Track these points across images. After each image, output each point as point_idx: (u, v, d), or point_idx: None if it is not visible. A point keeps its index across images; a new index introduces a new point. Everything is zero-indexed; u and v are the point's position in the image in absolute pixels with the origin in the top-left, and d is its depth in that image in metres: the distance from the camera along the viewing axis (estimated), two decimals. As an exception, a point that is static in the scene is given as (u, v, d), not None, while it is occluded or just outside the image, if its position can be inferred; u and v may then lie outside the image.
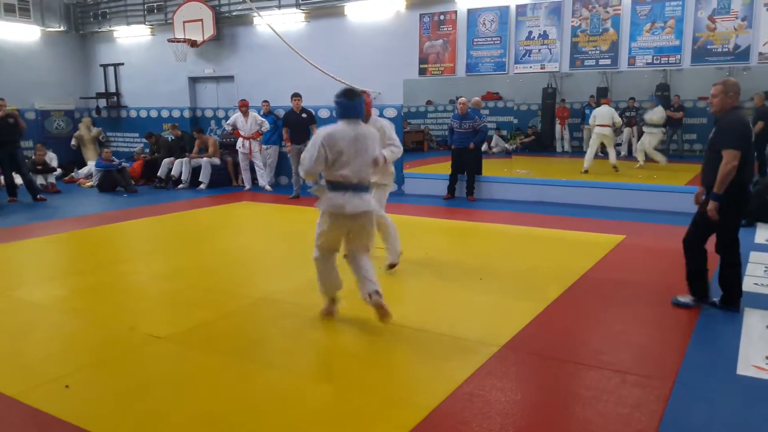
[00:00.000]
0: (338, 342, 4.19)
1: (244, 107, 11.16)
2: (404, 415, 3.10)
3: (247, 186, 11.46)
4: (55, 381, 3.52)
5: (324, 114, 11.23)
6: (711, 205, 4.27)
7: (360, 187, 4.12)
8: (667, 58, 8.64)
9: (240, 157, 11.45)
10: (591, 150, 11.19)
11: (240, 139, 11.26)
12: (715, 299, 4.62)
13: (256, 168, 11.38)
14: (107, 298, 5.21)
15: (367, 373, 3.64)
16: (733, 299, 4.55)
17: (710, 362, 3.71)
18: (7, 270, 6.29)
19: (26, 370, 3.72)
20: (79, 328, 4.51)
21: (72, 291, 5.42)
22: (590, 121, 11.30)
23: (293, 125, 10.41)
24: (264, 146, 11.52)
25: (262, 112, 11.48)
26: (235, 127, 11.28)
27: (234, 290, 5.33)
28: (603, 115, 11.02)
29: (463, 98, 9.88)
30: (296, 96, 10.41)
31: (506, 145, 13.71)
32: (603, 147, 11.34)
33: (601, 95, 12.69)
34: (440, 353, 3.87)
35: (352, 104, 4.13)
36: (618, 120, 11.16)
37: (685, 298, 4.66)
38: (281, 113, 11.68)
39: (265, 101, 11.50)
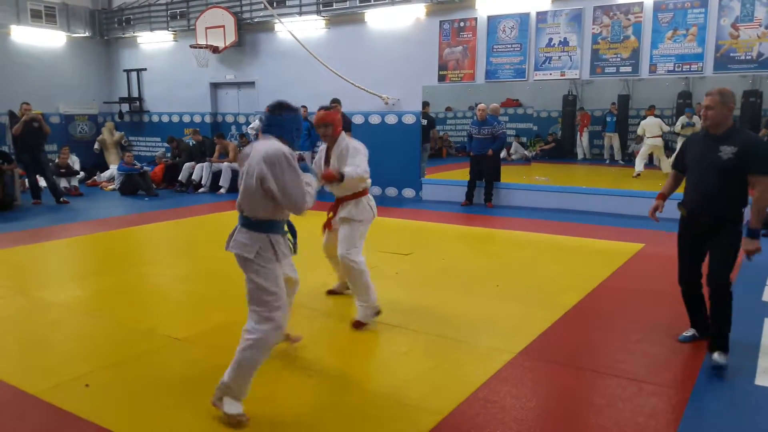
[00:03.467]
0: (356, 346, 4.20)
1: None
2: (419, 419, 3.11)
3: None
4: (76, 380, 3.58)
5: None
6: (751, 245, 3.61)
7: (242, 221, 3.29)
8: (689, 66, 8.57)
9: None
10: (641, 158, 11.45)
11: None
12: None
13: None
14: (128, 300, 5.29)
15: (383, 377, 3.66)
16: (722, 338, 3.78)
17: (728, 372, 3.67)
18: (30, 271, 6.41)
19: (48, 368, 3.79)
20: (99, 328, 4.59)
21: (93, 292, 5.51)
22: (639, 131, 11.42)
23: None
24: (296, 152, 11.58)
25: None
26: (257, 132, 11.34)
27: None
28: (652, 125, 11.17)
29: (482, 104, 9.88)
30: (336, 102, 10.19)
31: (525, 152, 13.67)
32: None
33: (623, 103, 12.63)
34: (456, 359, 3.88)
35: (269, 117, 3.23)
36: (666, 127, 11.28)
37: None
38: None
39: (303, 106, 11.49)
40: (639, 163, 11.44)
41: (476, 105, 10.14)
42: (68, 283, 5.80)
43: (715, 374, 3.63)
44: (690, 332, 4.21)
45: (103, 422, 3.09)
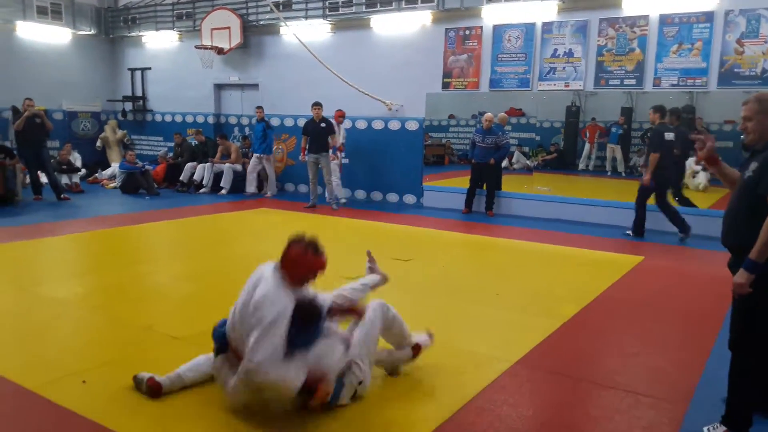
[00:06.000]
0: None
1: (341, 117, 10.77)
2: (415, 426, 3.10)
3: (344, 200, 10.99)
4: (73, 376, 3.57)
5: (346, 125, 11.30)
6: (741, 277, 2.88)
7: None
8: (693, 80, 8.59)
9: (334, 168, 10.74)
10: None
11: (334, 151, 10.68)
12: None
13: (333, 179, 10.80)
14: (126, 298, 5.28)
15: (379, 383, 3.64)
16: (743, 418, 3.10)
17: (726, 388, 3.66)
18: (30, 266, 6.40)
19: (45, 364, 3.79)
20: (98, 325, 4.59)
21: (92, 289, 5.50)
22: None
23: (312, 134, 10.35)
24: (257, 155, 11.46)
25: (255, 119, 11.48)
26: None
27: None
28: None
29: (489, 114, 9.86)
30: (317, 105, 10.27)
31: (528, 162, 13.67)
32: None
33: (626, 115, 12.63)
34: (453, 366, 3.87)
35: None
36: None
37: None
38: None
39: (259, 107, 11.49)
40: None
41: (480, 114, 10.15)
42: (67, 280, 5.80)
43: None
44: None
45: (98, 419, 3.09)
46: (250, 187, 11.69)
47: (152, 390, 3.29)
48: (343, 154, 11.04)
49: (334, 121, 10.48)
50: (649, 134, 8.68)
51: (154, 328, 4.41)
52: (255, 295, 3.02)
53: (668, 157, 8.01)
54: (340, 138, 10.70)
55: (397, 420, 3.18)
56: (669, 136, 7.98)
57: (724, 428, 3.06)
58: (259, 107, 11.50)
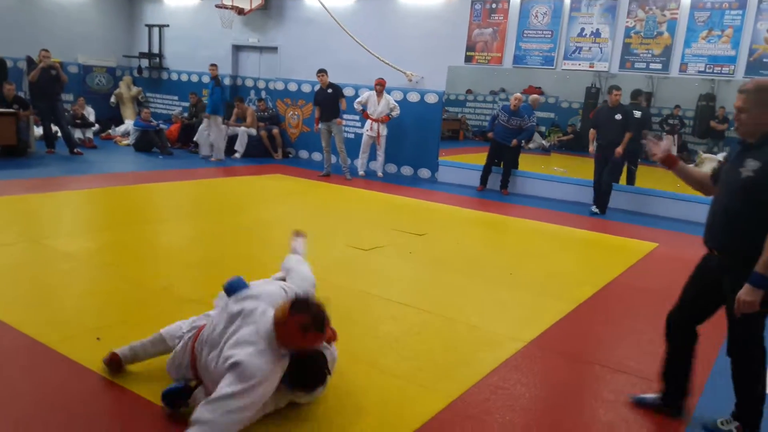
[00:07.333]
0: (368, 324, 4.18)
1: (380, 86, 10.25)
2: (429, 400, 3.10)
3: (362, 172, 10.70)
4: (88, 333, 3.58)
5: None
6: (750, 294, 2.65)
7: None
8: (720, 68, 8.43)
9: (363, 139, 10.61)
10: None
11: (368, 122, 10.46)
12: None
13: (378, 154, 10.75)
14: (138, 256, 5.29)
15: (393, 355, 3.64)
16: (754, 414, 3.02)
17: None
18: (42, 220, 6.41)
19: (60, 319, 3.79)
20: (111, 283, 4.58)
21: (105, 245, 5.50)
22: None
23: (322, 103, 10.07)
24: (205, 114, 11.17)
25: (210, 77, 11.23)
26: (364, 108, 10.44)
27: (264, 260, 5.35)
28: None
29: (518, 94, 9.61)
30: (321, 72, 10.00)
31: (543, 142, 13.53)
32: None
33: (645, 100, 12.43)
34: (467, 343, 3.87)
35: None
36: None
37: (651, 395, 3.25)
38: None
39: (213, 65, 11.20)
40: None
41: (501, 90, 9.99)
42: (80, 235, 5.80)
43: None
44: (651, 396, 3.27)
45: (112, 376, 3.10)
46: (203, 149, 11.42)
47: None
48: (372, 125, 10.50)
49: (373, 90, 10.33)
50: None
51: (169, 290, 4.41)
52: (238, 336, 2.62)
53: (616, 134, 8.50)
54: (384, 108, 10.32)
55: (409, 395, 3.18)
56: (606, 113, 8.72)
57: (737, 423, 3.03)
58: (213, 65, 11.23)
